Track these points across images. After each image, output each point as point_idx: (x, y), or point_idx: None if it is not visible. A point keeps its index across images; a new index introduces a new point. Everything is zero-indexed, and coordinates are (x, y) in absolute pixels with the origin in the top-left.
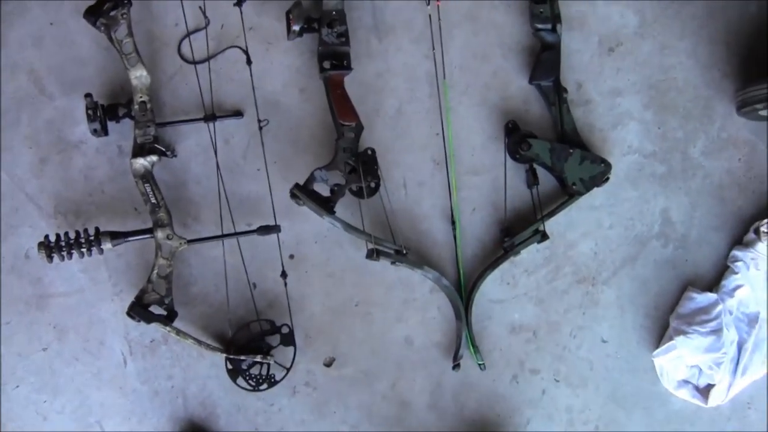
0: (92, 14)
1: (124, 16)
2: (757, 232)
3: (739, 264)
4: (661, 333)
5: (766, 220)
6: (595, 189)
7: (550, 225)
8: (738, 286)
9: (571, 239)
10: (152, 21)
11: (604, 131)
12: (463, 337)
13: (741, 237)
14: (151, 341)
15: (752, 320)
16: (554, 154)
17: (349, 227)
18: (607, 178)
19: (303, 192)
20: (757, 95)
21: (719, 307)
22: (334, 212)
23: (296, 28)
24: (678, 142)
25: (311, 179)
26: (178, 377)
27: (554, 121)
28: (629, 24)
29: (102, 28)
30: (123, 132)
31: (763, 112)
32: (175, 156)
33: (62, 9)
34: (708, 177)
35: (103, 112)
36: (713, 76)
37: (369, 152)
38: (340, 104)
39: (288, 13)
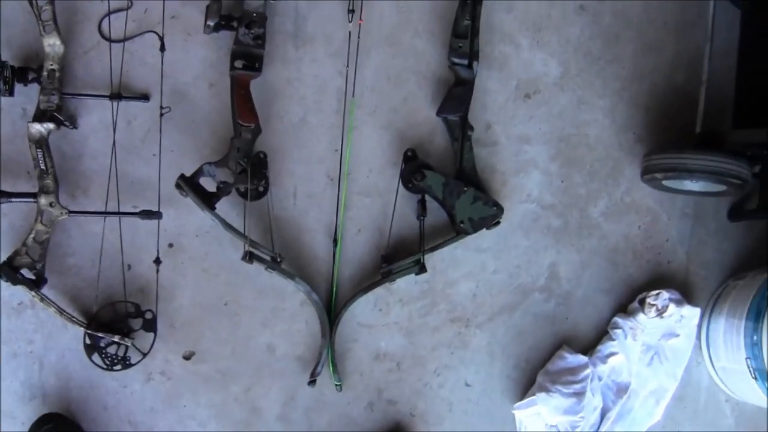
0: None
1: None
2: (642, 302)
3: (618, 331)
4: (528, 386)
5: (654, 292)
6: (486, 231)
7: (434, 260)
8: (612, 354)
9: (452, 277)
10: None
11: (505, 175)
12: (324, 355)
13: (626, 305)
14: (18, 303)
15: (621, 390)
16: (447, 189)
17: (227, 226)
18: (498, 222)
19: (187, 183)
20: (659, 164)
21: (587, 371)
22: (215, 209)
23: (210, 23)
24: (579, 199)
25: (199, 172)
26: (39, 344)
27: (455, 157)
28: (551, 73)
29: None
30: (31, 96)
31: (665, 182)
32: (76, 128)
33: None
34: (604, 239)
35: (12, 74)
36: (627, 138)
37: (261, 155)
38: (241, 104)
39: (207, 6)
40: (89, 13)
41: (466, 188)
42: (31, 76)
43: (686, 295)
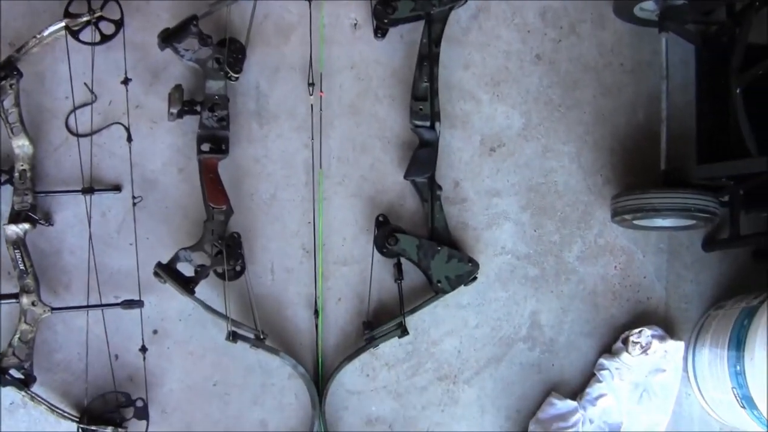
0: None
1: (12, 86)
2: (625, 341)
3: (604, 373)
4: None
5: (636, 330)
6: (464, 288)
7: (415, 321)
8: (601, 395)
9: (435, 336)
10: (44, 93)
11: (477, 230)
12: (316, 425)
13: (610, 345)
14: (10, 403)
15: (613, 430)
16: (421, 250)
17: (208, 308)
18: (475, 278)
19: (165, 271)
20: (626, 205)
21: (577, 416)
22: (194, 293)
23: (174, 110)
24: (553, 246)
25: (175, 258)
26: None
27: (426, 218)
28: (514, 125)
29: None
30: (4, 197)
31: (635, 222)
32: (51, 225)
33: None
34: (582, 282)
35: None
36: (595, 181)
37: (235, 236)
38: (211, 187)
39: (169, 94)
40: (55, 110)
41: (439, 248)
42: (3, 178)
43: (669, 329)
